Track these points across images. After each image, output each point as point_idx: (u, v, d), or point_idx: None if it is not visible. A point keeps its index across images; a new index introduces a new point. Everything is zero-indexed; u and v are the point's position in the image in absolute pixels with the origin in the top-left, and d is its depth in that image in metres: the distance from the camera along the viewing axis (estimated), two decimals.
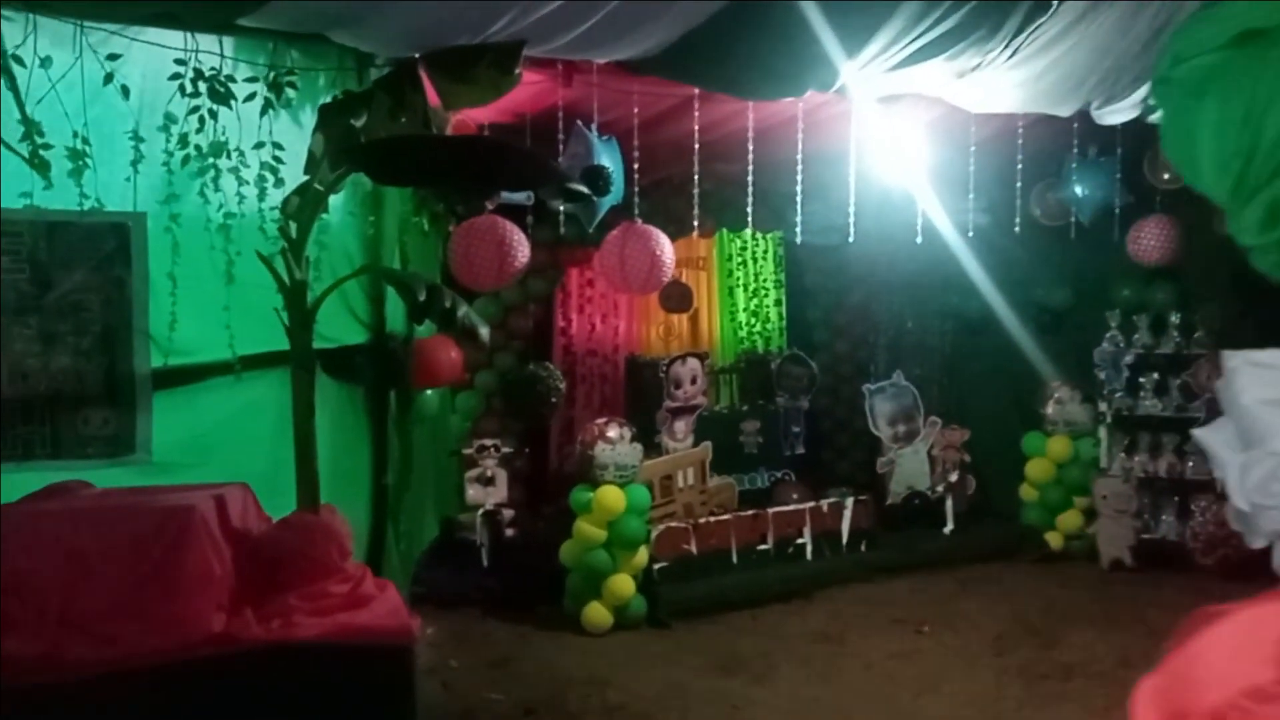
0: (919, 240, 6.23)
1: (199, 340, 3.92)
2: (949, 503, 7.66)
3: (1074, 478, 7.66)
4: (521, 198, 6.80)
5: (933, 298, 9.38)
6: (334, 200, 3.95)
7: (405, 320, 4.53)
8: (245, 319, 3.91)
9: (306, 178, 3.61)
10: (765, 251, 9.87)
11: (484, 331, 3.78)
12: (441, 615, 6.49)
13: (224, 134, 3.93)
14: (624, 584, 6.31)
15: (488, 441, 7.08)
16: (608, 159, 5.03)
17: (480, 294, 7.79)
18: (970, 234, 6.56)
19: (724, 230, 9.31)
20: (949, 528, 7.66)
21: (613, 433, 6.41)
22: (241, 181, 3.93)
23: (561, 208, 4.89)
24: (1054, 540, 7.67)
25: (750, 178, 5.34)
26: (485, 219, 4.69)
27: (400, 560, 4.76)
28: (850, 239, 5.76)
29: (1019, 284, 8.11)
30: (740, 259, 9.79)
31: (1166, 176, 7.18)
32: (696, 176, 5.36)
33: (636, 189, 5.20)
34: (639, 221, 4.98)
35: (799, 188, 5.32)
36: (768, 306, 9.85)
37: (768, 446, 8.58)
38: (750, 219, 5.63)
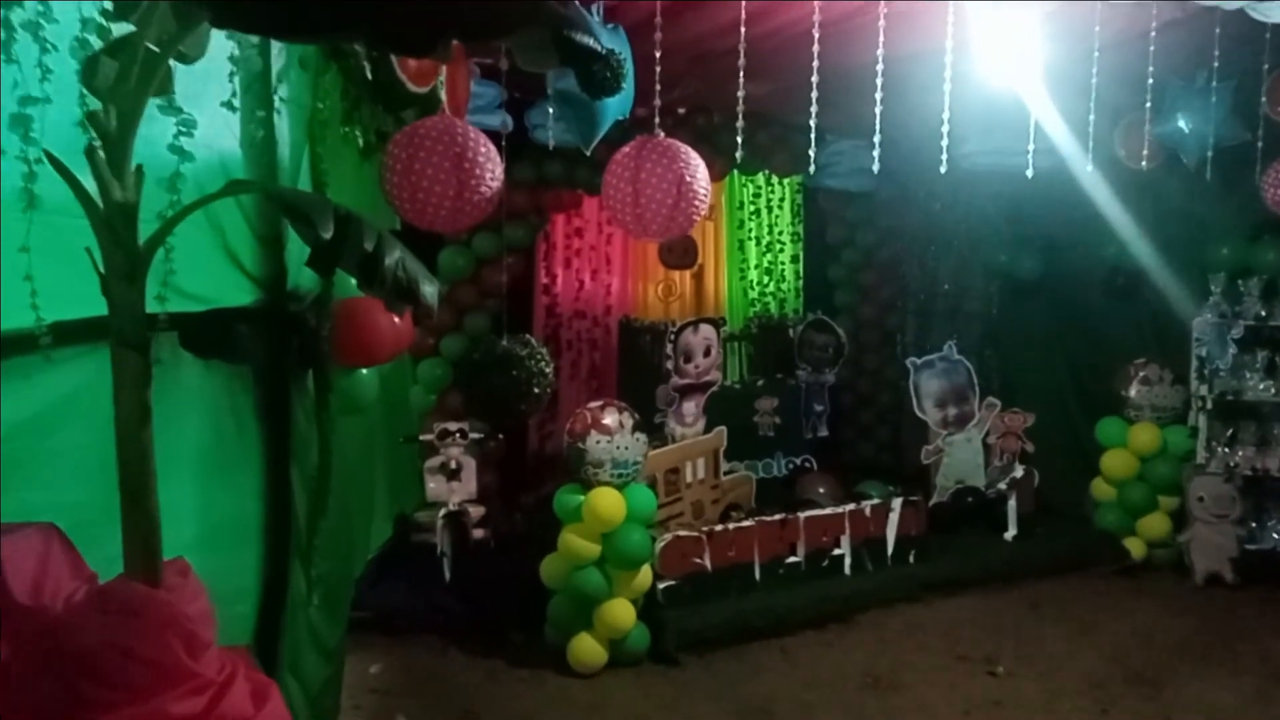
0: (1029, 174, 4.82)
1: None
2: (1012, 503, 6.34)
3: (1161, 474, 6.37)
4: (495, 123, 5.41)
5: (977, 254, 8.06)
6: (195, 80, 2.52)
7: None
8: (58, 267, 2.46)
9: (131, 29, 2.19)
10: (782, 199, 8.60)
11: (429, 290, 2.38)
12: (391, 648, 5.18)
13: None
14: (622, 612, 4.98)
15: (452, 425, 5.69)
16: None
17: (445, 241, 6.44)
18: (1090, 169, 5.14)
19: (735, 174, 7.98)
20: (1011, 533, 6.34)
21: (609, 420, 5.04)
22: (47, 47, 2.46)
23: (551, 107, 3.49)
24: (1135, 548, 6.38)
25: (815, 88, 3.89)
26: (437, 120, 3.25)
27: (321, 612, 3.39)
28: (943, 168, 4.32)
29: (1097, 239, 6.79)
30: (753, 207, 8.54)
31: None
32: (741, 94, 3.89)
33: (658, 100, 3.73)
34: (660, 134, 3.56)
35: (878, 98, 3.89)
36: (783, 263, 8.61)
37: (785, 428, 7.33)
38: (812, 159, 4.20)
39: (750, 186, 8.40)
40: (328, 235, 2.26)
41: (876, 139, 3.92)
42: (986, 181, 7.55)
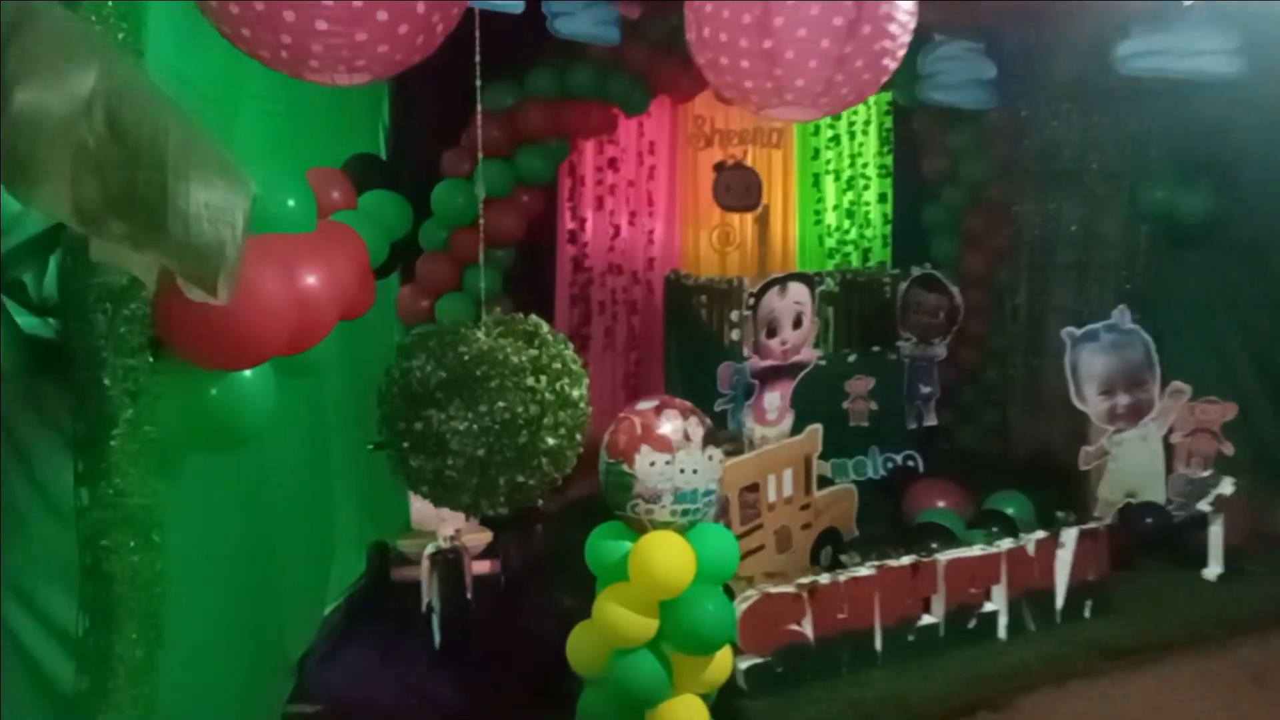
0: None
1: None
2: (1216, 528, 4.60)
3: None
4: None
5: (1119, 190, 6.32)
6: None
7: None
8: None
9: None
10: (867, 123, 7.01)
11: (199, 209, 0.70)
12: None
13: None
14: (688, 714, 3.33)
15: None
16: None
17: (440, 174, 4.83)
18: None
19: None
20: (1215, 570, 4.62)
21: (668, 429, 3.32)
22: None
23: None
24: None
25: None
26: None
27: None
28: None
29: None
30: (831, 133, 7.04)
31: None
32: None
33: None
34: None
35: None
36: (868, 204, 7.05)
37: (882, 416, 5.72)
38: None
39: None
40: None
41: None
42: (1140, 94, 5.89)
